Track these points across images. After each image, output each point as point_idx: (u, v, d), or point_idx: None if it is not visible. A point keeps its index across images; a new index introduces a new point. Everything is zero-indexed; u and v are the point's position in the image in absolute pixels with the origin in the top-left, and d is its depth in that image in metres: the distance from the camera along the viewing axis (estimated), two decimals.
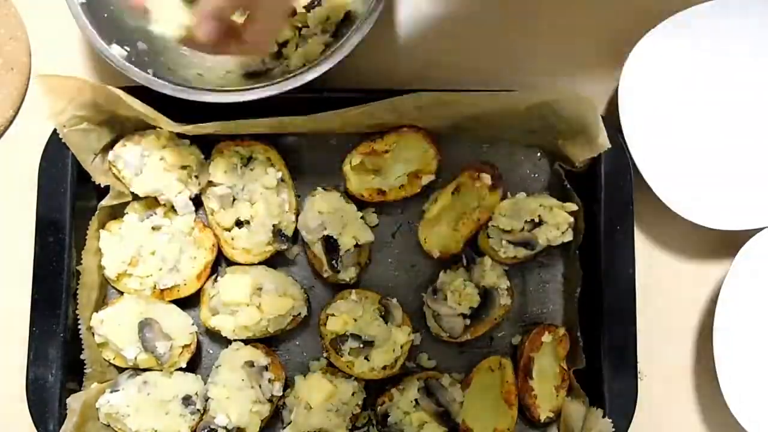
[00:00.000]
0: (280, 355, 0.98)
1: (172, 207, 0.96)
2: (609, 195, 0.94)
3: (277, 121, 0.91)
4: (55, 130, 0.91)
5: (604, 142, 0.90)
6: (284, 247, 0.96)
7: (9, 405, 0.94)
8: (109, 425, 0.93)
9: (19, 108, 1.03)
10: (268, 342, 0.97)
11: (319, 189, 0.97)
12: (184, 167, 0.95)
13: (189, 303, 0.97)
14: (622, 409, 0.91)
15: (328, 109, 0.91)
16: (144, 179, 0.94)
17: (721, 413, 0.95)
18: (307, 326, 0.99)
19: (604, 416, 0.90)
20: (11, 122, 1.03)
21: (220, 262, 0.98)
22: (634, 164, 0.95)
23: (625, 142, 0.95)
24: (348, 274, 0.95)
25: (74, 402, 0.89)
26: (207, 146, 0.97)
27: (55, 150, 0.92)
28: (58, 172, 0.92)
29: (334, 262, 0.94)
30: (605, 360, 0.92)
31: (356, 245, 0.94)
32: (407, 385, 0.94)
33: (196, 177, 0.96)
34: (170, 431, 0.92)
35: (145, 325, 0.91)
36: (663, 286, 1.02)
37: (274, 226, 0.95)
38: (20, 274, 0.93)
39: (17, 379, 0.91)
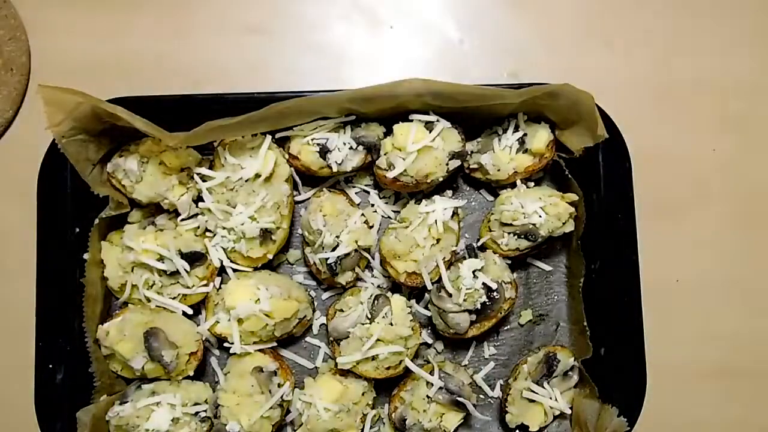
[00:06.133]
0: (288, 359, 0.98)
1: (175, 212, 0.96)
2: (608, 183, 0.94)
3: (268, 109, 0.89)
4: (54, 140, 0.90)
5: (602, 132, 0.89)
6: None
7: (19, 423, 0.93)
8: None
9: (18, 108, 1.02)
10: (275, 346, 0.97)
11: (325, 190, 0.96)
12: (183, 169, 0.95)
13: (194, 310, 0.96)
14: (631, 396, 0.91)
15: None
16: (145, 185, 0.94)
17: (729, 399, 0.95)
18: (312, 328, 0.99)
19: (619, 415, 0.89)
20: (11, 122, 1.02)
21: (225, 268, 0.97)
22: (631, 151, 0.94)
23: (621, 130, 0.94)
24: (345, 278, 0.95)
25: (84, 416, 0.89)
26: (203, 145, 0.95)
27: (53, 159, 0.92)
28: (57, 182, 0.92)
29: (332, 264, 0.93)
30: (613, 348, 0.92)
31: (356, 250, 0.93)
32: (414, 384, 0.94)
33: (192, 178, 0.95)
34: None
35: (150, 334, 0.91)
36: (666, 271, 1.02)
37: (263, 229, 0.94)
38: (24, 280, 0.93)
39: (26, 397, 0.90)
